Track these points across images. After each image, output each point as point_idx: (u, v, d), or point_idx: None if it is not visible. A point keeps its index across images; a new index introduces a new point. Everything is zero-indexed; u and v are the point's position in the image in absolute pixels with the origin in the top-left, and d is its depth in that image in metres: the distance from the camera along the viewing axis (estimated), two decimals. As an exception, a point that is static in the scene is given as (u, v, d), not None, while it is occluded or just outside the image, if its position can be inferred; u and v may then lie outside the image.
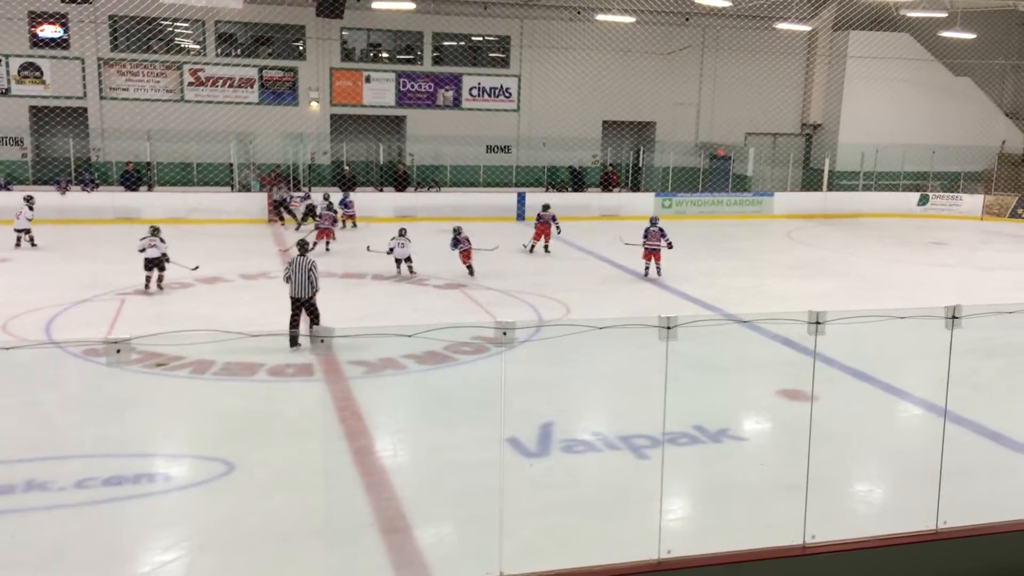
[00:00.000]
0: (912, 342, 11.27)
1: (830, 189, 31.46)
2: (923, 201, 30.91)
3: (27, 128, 27.58)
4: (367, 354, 11.73)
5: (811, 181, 33.23)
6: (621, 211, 26.74)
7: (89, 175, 26.82)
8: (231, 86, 29.06)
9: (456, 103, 31.35)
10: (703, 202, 29.37)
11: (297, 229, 23.35)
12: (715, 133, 33.45)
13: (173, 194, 25.82)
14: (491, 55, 31.82)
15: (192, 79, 28.73)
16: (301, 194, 25.69)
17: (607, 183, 31.12)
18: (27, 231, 20.19)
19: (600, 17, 28.21)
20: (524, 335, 6.30)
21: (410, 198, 27.60)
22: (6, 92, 27.32)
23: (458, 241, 18.20)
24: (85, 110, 27.93)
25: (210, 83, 28.87)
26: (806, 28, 31.28)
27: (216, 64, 28.88)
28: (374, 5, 25.22)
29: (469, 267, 18.16)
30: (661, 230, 18.37)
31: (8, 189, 25.39)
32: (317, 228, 21.13)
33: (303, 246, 12.98)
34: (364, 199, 25.82)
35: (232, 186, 27.34)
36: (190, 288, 16.55)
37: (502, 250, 21.81)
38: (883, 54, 31.96)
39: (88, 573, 6.71)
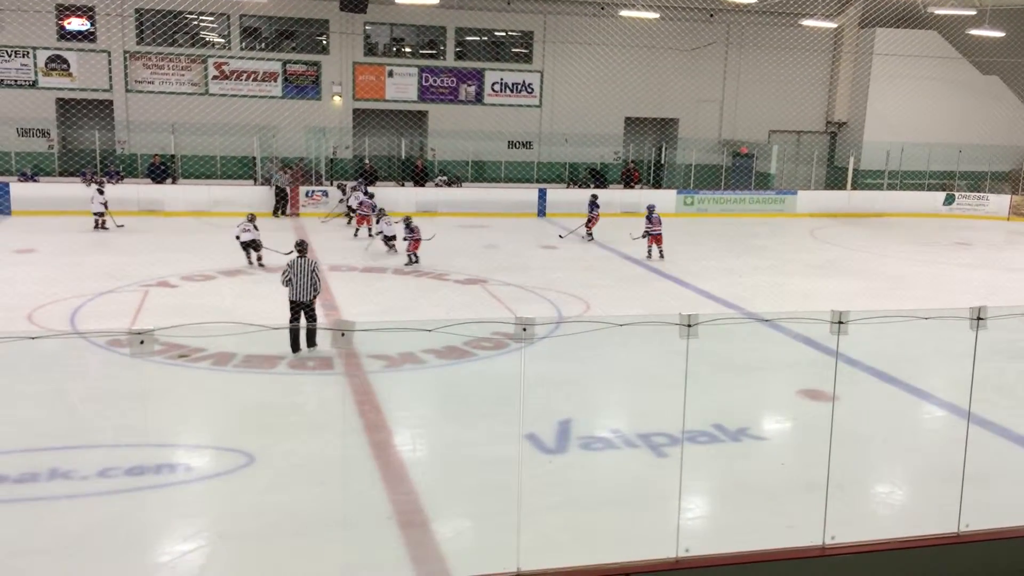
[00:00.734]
0: (936, 343, 11.18)
1: (854, 188, 31.21)
2: (949, 201, 30.58)
3: (54, 120, 27.87)
4: (387, 348, 11.76)
5: (835, 180, 32.97)
6: (643, 208, 26.54)
7: (114, 167, 27.06)
8: (255, 80, 29.22)
9: (478, 98, 31.35)
10: (725, 200, 29.22)
11: (323, 221, 23.54)
12: (738, 130, 33.25)
13: (197, 187, 25.99)
14: (514, 50, 31.79)
15: (216, 72, 28.91)
16: (323, 188, 25.81)
17: (629, 180, 31.01)
18: (100, 215, 21.96)
19: (624, 13, 28.10)
20: (544, 331, 6.28)
21: (431, 193, 27.65)
22: (33, 84, 27.62)
23: (411, 230, 18.76)
24: (111, 103, 28.19)
25: (234, 76, 29.04)
26: (832, 25, 31.01)
27: (240, 58, 29.05)
28: (397, 0, 25.27)
29: (415, 256, 18.74)
30: (659, 218, 20.17)
31: (35, 180, 25.67)
32: (357, 214, 22.62)
33: (302, 247, 12.37)
34: (385, 193, 25.87)
35: (255, 179, 27.47)
36: (212, 280, 16.66)
37: (524, 246, 21.83)
38: (910, 52, 31.64)
39: (110, 561, 6.78)
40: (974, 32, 28.86)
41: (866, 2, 31.61)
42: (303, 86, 29.71)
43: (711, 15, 30.90)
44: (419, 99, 30.85)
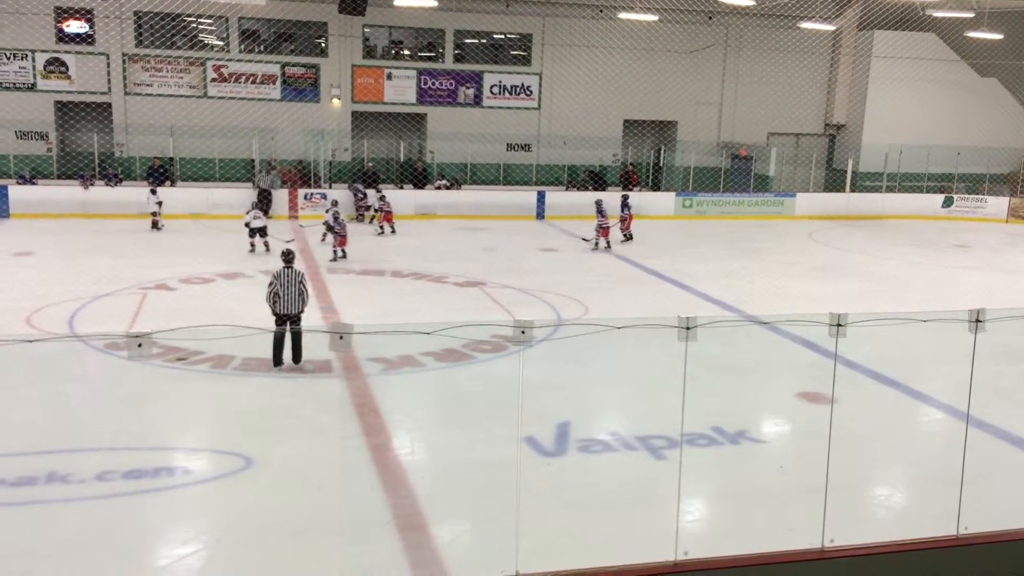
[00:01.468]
0: (935, 345, 11.18)
1: (853, 190, 31.24)
2: (947, 203, 30.60)
3: (52, 123, 27.85)
4: (386, 351, 11.75)
5: (834, 182, 32.99)
6: (642, 210, 26.56)
7: (112, 170, 27.05)
8: (253, 82, 29.22)
9: (477, 101, 31.36)
10: (724, 202, 29.24)
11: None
12: (737, 133, 33.27)
13: (195, 190, 25.98)
14: (513, 53, 31.80)
15: (215, 75, 28.90)
16: (321, 191, 25.81)
17: (627, 182, 31.02)
18: (155, 215, 22.69)
19: (623, 15, 28.12)
20: (542, 334, 6.29)
21: (430, 195, 27.66)
22: (32, 87, 27.61)
23: (338, 222, 19.54)
24: (109, 105, 28.17)
25: (233, 79, 29.04)
26: (831, 27, 31.02)
27: (239, 60, 29.04)
28: (396, 2, 25.28)
29: (342, 252, 19.32)
30: (606, 211, 21.91)
31: (33, 183, 25.66)
32: (382, 212, 23.56)
33: (288, 257, 11.56)
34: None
35: (253, 182, 27.47)
36: (211, 283, 16.66)
37: (523, 248, 21.82)
38: (908, 54, 31.67)
39: (108, 564, 6.77)
40: (972, 34, 28.90)
41: (864, 4, 31.63)
42: (302, 89, 29.71)
43: (710, 17, 30.92)
44: (418, 102, 30.85)
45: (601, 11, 29.82)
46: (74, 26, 27.68)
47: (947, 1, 26.90)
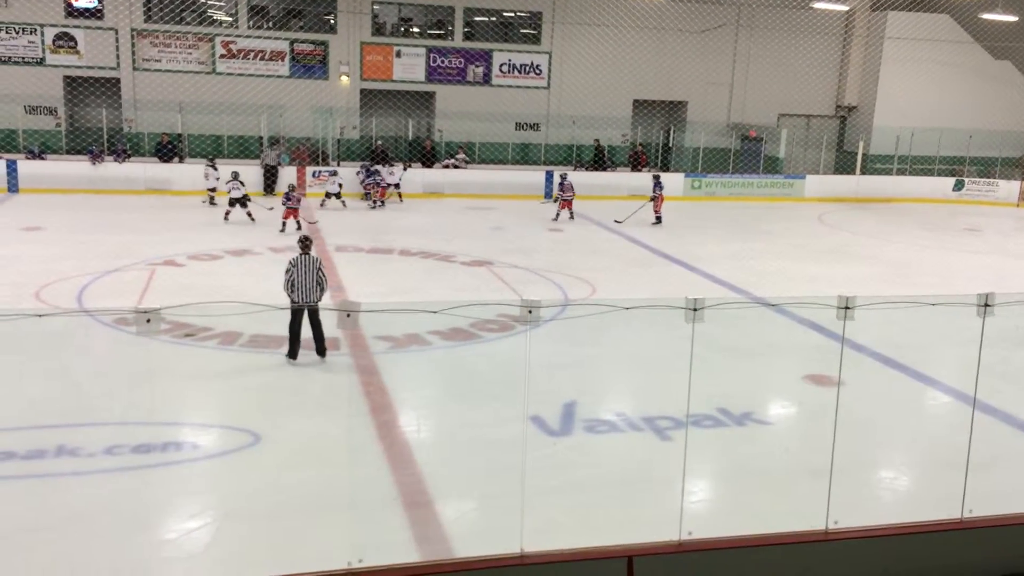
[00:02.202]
0: (943, 329, 11.14)
1: (864, 173, 31.04)
2: (958, 186, 30.42)
3: (61, 98, 27.83)
4: (393, 329, 11.78)
5: (844, 164, 32.79)
6: (650, 191, 26.55)
7: (121, 146, 27.06)
8: (262, 59, 29.13)
9: (486, 79, 31.21)
10: (733, 184, 29.11)
11: (322, 205, 23.46)
12: (747, 114, 33.07)
13: (204, 166, 25.95)
14: (522, 31, 31.61)
15: (224, 51, 28.81)
16: (330, 168, 25.77)
17: (636, 163, 30.88)
18: (213, 191, 22.86)
19: (633, -6, 27.91)
20: (549, 314, 6.28)
21: (438, 174, 27.60)
22: (41, 62, 27.58)
23: (289, 198, 19.88)
24: (118, 81, 28.13)
25: (241, 55, 28.95)
26: (844, 8, 30.76)
27: (248, 36, 28.93)
28: (406, -21, 25.19)
29: (297, 222, 19.84)
30: (571, 184, 23.16)
31: (42, 158, 25.69)
32: (379, 187, 24.57)
33: (306, 244, 11.01)
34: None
35: (260, 160, 27.45)
36: (219, 260, 16.69)
37: (530, 228, 21.79)
38: (922, 36, 31.38)
39: (116, 538, 6.83)
40: (987, 16, 28.63)
41: (878, -15, 31.35)
42: (310, 66, 29.61)
43: (721, -3, 30.68)
44: (427, 80, 30.73)
45: (612, -11, 29.60)
46: (83, 1, 27.59)
47: (962, -18, 26.63)
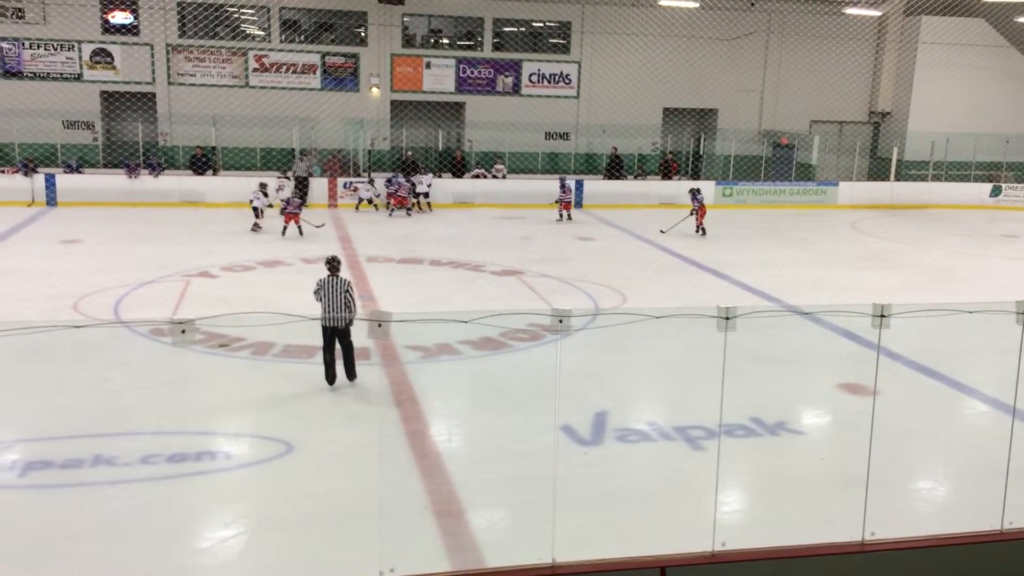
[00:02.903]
0: (981, 337, 10.98)
1: (898, 179, 30.65)
2: (995, 192, 29.95)
3: (98, 113, 28.34)
4: (423, 339, 11.82)
5: (878, 171, 32.43)
6: (681, 199, 26.36)
7: (156, 159, 27.47)
8: (294, 72, 29.46)
9: (516, 89, 31.30)
10: (765, 191, 28.89)
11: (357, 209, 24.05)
12: (779, 121, 32.83)
13: (237, 178, 26.28)
14: (551, 41, 31.66)
15: (256, 65, 29.18)
16: (362, 180, 25.97)
17: (667, 171, 30.77)
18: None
19: (663, 2, 27.86)
20: (580, 323, 6.28)
21: (468, 184, 27.68)
22: (79, 78, 28.10)
23: (289, 203, 20.80)
24: (153, 95, 28.59)
25: (274, 69, 29.30)
26: (876, 13, 30.47)
27: (280, 50, 29.29)
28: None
29: (298, 227, 20.47)
30: (570, 187, 24.61)
31: (80, 172, 26.14)
32: (397, 197, 24.72)
33: (334, 265, 10.64)
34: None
35: (293, 171, 27.72)
36: (252, 271, 16.86)
37: (560, 237, 21.79)
38: (956, 40, 30.98)
39: (151, 546, 6.91)
40: (1022, 20, 28.19)
41: (911, -11, 31.02)
42: (341, 78, 29.89)
43: (752, 3, 30.51)
44: (456, 90, 30.87)
45: (641, -2, 29.58)
46: (119, 17, 28.10)
47: (997, -15, 26.27)
